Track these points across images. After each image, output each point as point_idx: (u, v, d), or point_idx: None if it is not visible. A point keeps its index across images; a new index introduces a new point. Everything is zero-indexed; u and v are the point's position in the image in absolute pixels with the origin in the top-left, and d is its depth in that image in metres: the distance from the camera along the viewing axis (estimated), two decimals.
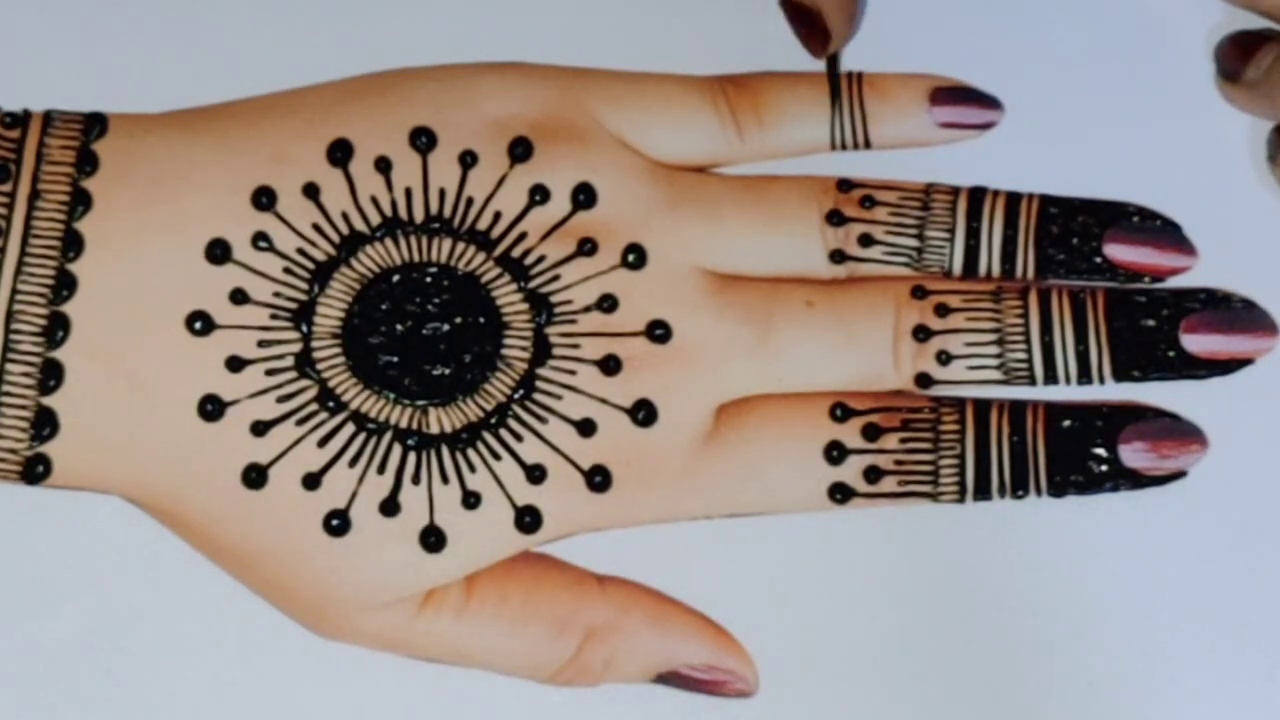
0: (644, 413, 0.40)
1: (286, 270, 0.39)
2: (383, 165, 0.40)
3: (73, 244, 0.39)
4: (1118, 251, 0.42)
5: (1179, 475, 0.41)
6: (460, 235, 0.40)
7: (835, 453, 0.40)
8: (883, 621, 0.41)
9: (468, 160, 0.40)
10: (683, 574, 0.41)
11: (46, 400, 0.38)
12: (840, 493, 0.40)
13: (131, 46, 0.42)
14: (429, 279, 0.40)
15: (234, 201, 0.39)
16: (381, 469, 0.39)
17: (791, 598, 0.41)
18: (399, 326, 0.40)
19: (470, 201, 0.40)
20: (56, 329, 0.38)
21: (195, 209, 0.39)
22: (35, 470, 0.38)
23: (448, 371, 0.40)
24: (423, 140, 0.40)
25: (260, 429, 0.39)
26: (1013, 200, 0.42)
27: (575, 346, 0.40)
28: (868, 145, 0.42)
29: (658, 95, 0.42)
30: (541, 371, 0.40)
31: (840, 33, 0.41)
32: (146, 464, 0.39)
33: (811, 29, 0.41)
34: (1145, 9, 0.44)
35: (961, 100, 0.42)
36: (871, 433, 0.40)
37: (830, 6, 0.41)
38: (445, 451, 0.39)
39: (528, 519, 0.39)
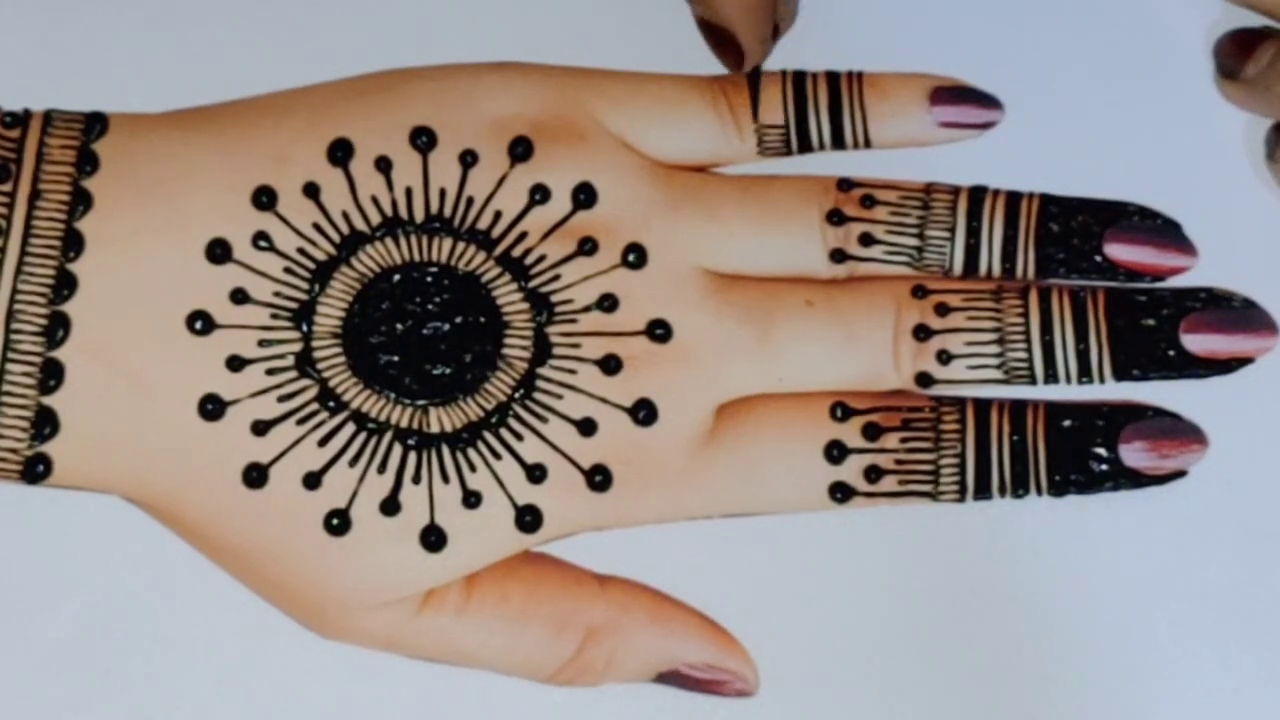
0: (644, 412, 0.40)
1: (287, 270, 0.39)
2: (383, 165, 0.40)
3: (73, 243, 0.39)
4: (1118, 251, 0.42)
5: (1179, 475, 0.41)
6: (461, 235, 0.40)
7: (835, 452, 0.40)
8: (883, 621, 0.41)
9: (468, 160, 0.40)
10: (683, 574, 0.41)
11: (47, 400, 0.38)
12: (840, 492, 0.40)
13: (131, 46, 0.43)
14: (429, 279, 0.40)
15: (234, 201, 0.39)
16: (382, 468, 0.39)
17: (791, 598, 0.41)
18: (399, 326, 0.40)
19: (470, 201, 0.40)
20: (57, 329, 0.38)
21: (195, 208, 0.39)
22: (35, 470, 0.38)
23: (448, 371, 0.40)
24: (423, 140, 0.40)
25: (261, 428, 0.39)
26: (1013, 200, 0.42)
27: (576, 346, 0.40)
28: (868, 145, 0.42)
29: (658, 95, 0.42)
30: (542, 371, 0.40)
31: (753, 53, 0.41)
32: (146, 464, 0.39)
33: (725, 48, 0.41)
34: (1144, 7, 0.44)
35: (961, 100, 0.42)
36: (872, 432, 0.40)
37: (742, 28, 0.41)
38: (446, 451, 0.39)
39: (528, 518, 0.39)
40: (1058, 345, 0.41)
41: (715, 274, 0.41)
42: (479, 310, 0.40)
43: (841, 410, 0.40)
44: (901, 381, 0.41)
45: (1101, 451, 0.40)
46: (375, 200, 0.40)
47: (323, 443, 0.39)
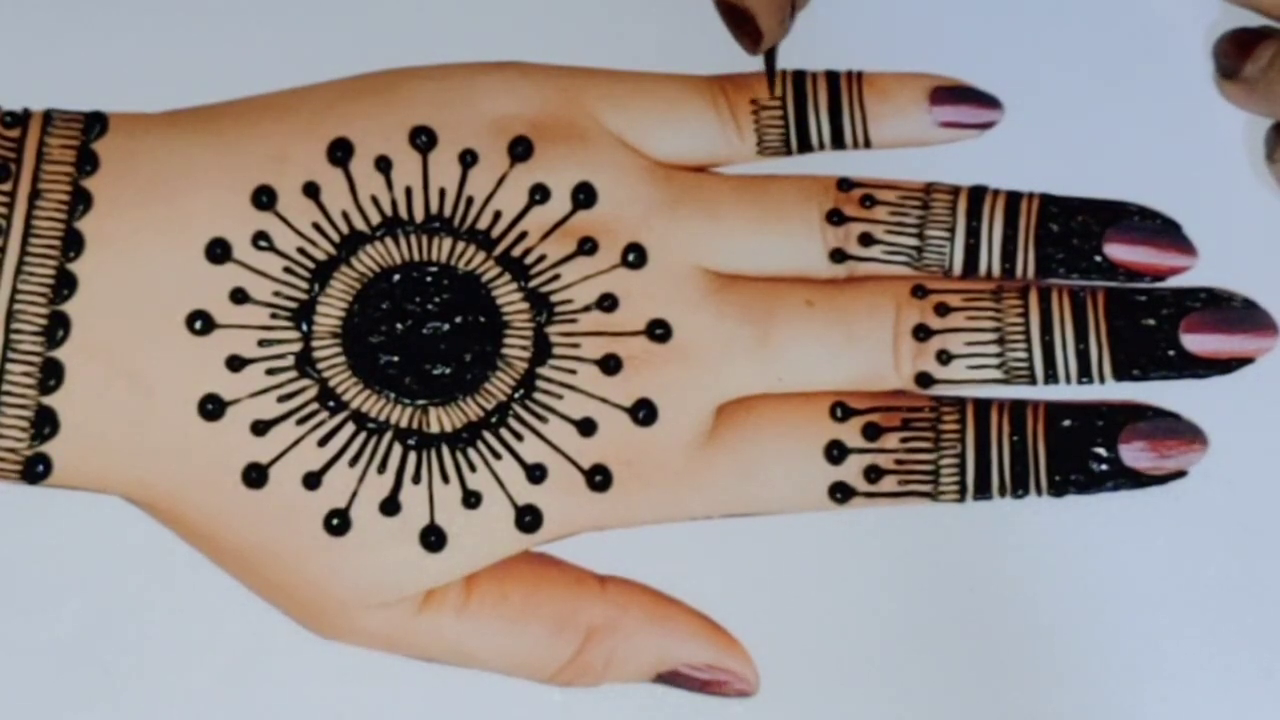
0: (644, 412, 0.40)
1: (287, 269, 0.39)
2: (383, 164, 0.40)
3: (73, 243, 0.39)
4: (1118, 251, 0.42)
5: (1179, 475, 0.41)
6: (460, 234, 0.40)
7: (835, 452, 0.40)
8: (883, 621, 0.41)
9: (468, 159, 0.40)
10: (683, 574, 0.41)
11: (47, 400, 0.38)
12: (840, 492, 0.40)
13: (131, 46, 0.43)
14: (429, 278, 0.40)
15: (234, 201, 0.39)
16: (382, 468, 0.39)
17: (791, 598, 0.41)
18: (399, 326, 0.40)
19: (470, 201, 0.40)
20: (56, 328, 0.38)
21: (195, 208, 0.39)
22: (35, 470, 0.38)
23: (448, 371, 0.40)
24: (423, 139, 0.40)
25: (260, 428, 0.39)
26: (1013, 200, 0.42)
27: (575, 346, 0.40)
28: (868, 145, 0.42)
29: (658, 95, 0.42)
30: (542, 371, 0.40)
31: (772, 33, 0.41)
32: (146, 464, 0.39)
33: (744, 28, 0.41)
34: (1144, 7, 0.44)
35: (961, 100, 0.42)
36: (872, 432, 0.40)
37: (760, 8, 0.40)
38: (445, 451, 0.39)
39: (528, 518, 0.39)
40: (1058, 345, 0.41)
41: (715, 274, 0.41)
42: (479, 310, 0.40)
43: (841, 410, 0.40)
44: (901, 381, 0.41)
45: (1101, 451, 0.40)
46: (375, 200, 0.40)
47: (322, 443, 0.39)
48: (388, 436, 0.39)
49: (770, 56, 0.42)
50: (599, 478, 0.39)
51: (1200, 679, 0.41)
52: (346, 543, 0.39)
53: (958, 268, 0.42)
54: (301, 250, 0.39)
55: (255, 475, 0.39)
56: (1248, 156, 0.43)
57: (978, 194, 0.42)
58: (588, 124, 0.41)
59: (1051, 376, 0.41)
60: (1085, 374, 0.41)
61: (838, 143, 0.42)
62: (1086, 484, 0.40)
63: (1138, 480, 0.41)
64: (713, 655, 0.41)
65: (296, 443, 0.39)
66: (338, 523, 0.39)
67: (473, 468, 0.39)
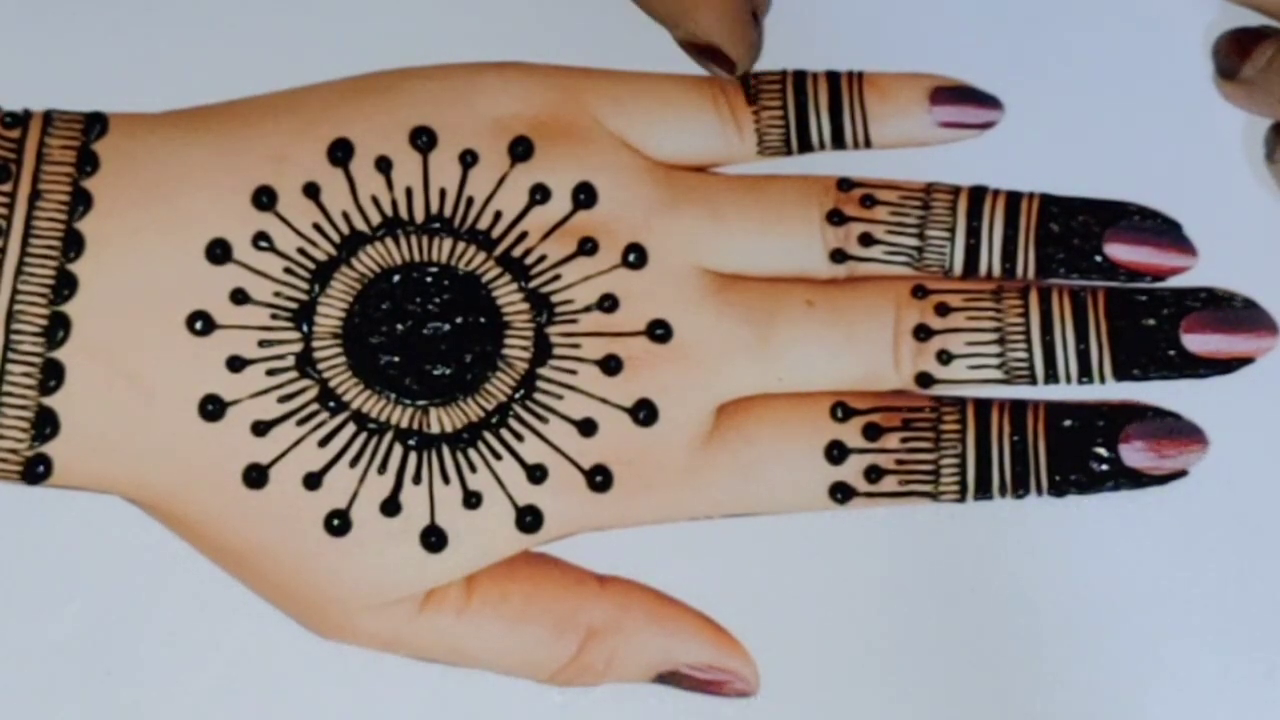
0: (645, 412, 0.40)
1: (287, 270, 0.39)
2: (383, 165, 0.40)
3: (73, 244, 0.39)
4: (1118, 251, 0.42)
5: (1179, 475, 0.41)
6: (461, 235, 0.40)
7: (836, 452, 0.40)
8: (883, 621, 0.41)
9: (468, 160, 0.40)
10: (683, 574, 0.41)
11: (47, 400, 0.38)
12: (841, 492, 0.40)
13: (131, 46, 0.43)
14: (430, 279, 0.40)
15: (234, 201, 0.39)
16: (382, 469, 0.39)
17: (791, 598, 0.41)
18: (400, 326, 0.40)
19: (471, 201, 0.40)
20: (57, 329, 0.38)
21: (196, 209, 0.39)
22: (35, 470, 0.38)
23: (448, 371, 0.40)
24: (423, 140, 0.40)
25: (261, 429, 0.39)
26: (1013, 200, 0.42)
27: (576, 346, 0.40)
28: (868, 145, 0.42)
29: (658, 95, 0.42)
30: (542, 371, 0.40)
31: (744, 59, 0.41)
32: (146, 464, 0.39)
33: (715, 61, 0.41)
34: (1143, 7, 0.44)
35: (961, 100, 0.42)
36: (872, 432, 0.40)
37: (727, 42, 0.41)
38: (446, 451, 0.39)
39: (529, 518, 0.39)
40: (1058, 345, 0.41)
41: (715, 274, 0.41)
42: (479, 310, 0.40)
43: (842, 410, 0.40)
44: (902, 381, 0.41)
45: (1102, 451, 0.40)
46: (375, 200, 0.40)
47: (323, 443, 0.39)
48: (388, 437, 0.39)
49: (744, 77, 0.42)
50: (599, 478, 0.39)
51: (1200, 679, 0.41)
52: (347, 543, 0.39)
53: (958, 268, 0.42)
54: (302, 251, 0.39)
55: (256, 476, 0.39)
56: (1248, 156, 0.43)
57: (978, 194, 0.42)
58: (588, 124, 0.41)
59: (1052, 376, 0.41)
60: (1085, 374, 0.41)
61: (838, 143, 0.42)
62: (1087, 484, 0.40)
63: (1138, 480, 0.41)
64: (713, 655, 0.41)
65: (297, 443, 0.39)
66: (338, 523, 0.39)
67: (473, 468, 0.39)
